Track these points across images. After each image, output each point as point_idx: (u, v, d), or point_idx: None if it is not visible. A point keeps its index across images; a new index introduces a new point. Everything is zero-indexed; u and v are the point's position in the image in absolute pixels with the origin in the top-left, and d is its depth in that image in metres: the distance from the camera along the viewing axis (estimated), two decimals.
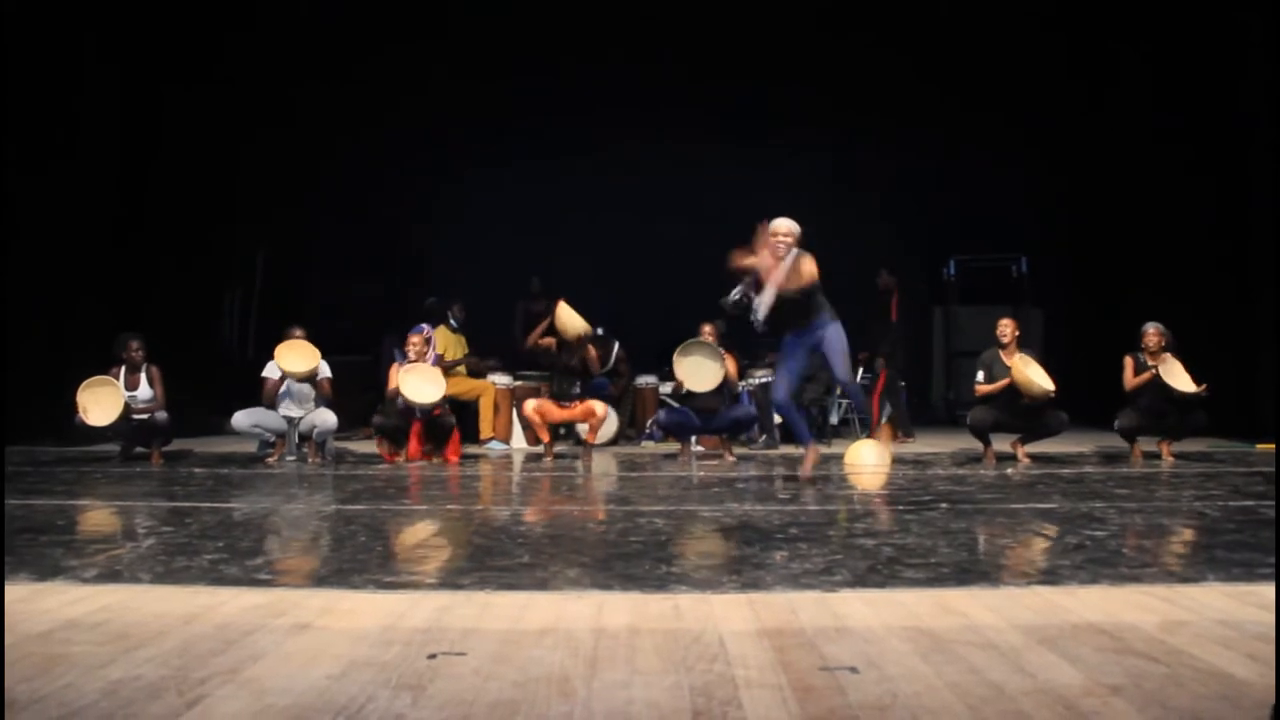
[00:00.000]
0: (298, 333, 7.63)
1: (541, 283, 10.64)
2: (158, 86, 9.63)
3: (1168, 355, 7.26)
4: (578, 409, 7.95)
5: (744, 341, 9.70)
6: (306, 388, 7.51)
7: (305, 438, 7.56)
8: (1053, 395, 7.19)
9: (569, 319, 7.80)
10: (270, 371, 7.56)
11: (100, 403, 7.15)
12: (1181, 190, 9.60)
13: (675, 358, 7.69)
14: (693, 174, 10.81)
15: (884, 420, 9.76)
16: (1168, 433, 7.42)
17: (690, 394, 7.75)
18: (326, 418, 7.51)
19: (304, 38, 10.29)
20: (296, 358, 7.37)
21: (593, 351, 7.93)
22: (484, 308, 10.28)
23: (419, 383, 7.48)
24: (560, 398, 7.99)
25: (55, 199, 8.71)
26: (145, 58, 9.49)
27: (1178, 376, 7.23)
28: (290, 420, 7.54)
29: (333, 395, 7.60)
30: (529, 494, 6.06)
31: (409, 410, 7.58)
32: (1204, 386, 7.17)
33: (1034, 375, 7.11)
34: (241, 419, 7.56)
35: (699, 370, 7.65)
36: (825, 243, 10.97)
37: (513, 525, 4.43)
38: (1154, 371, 7.26)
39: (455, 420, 7.78)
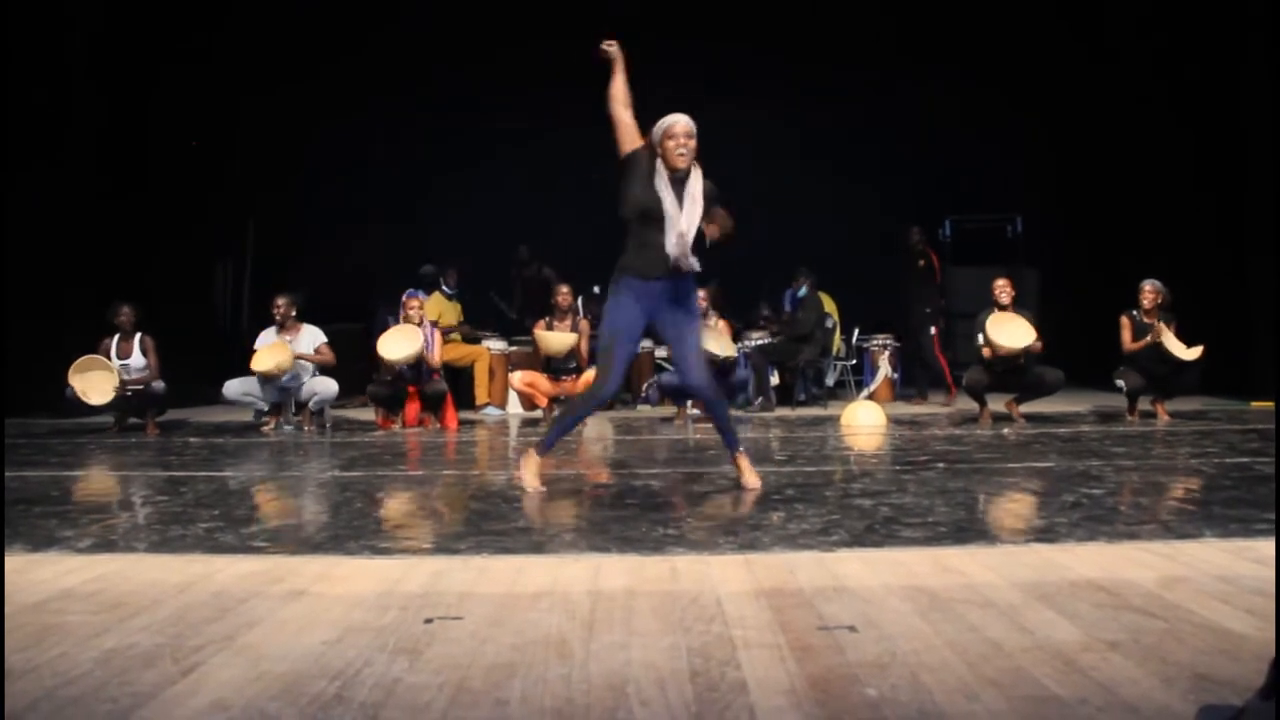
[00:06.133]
0: (280, 301, 7.54)
1: (530, 250, 10.64)
2: (151, 56, 9.52)
3: (1161, 325, 7.24)
4: (570, 383, 7.87)
5: (739, 305, 9.69)
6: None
7: (302, 405, 7.55)
8: (1024, 352, 7.17)
9: (553, 340, 7.72)
10: (263, 340, 7.53)
11: (94, 384, 7.16)
12: (1176, 147, 9.56)
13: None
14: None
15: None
16: (1161, 391, 7.43)
17: None
18: (327, 385, 7.50)
19: (296, 8, 10.15)
20: (268, 359, 7.32)
21: (582, 347, 7.83)
22: (479, 275, 10.25)
23: (394, 341, 7.48)
24: (554, 372, 7.96)
25: (48, 172, 8.64)
26: (138, 26, 9.37)
27: (1175, 343, 7.22)
28: (286, 388, 7.52)
29: (334, 358, 7.56)
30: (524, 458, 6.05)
31: (403, 377, 7.57)
32: (1200, 350, 7.16)
33: (1004, 338, 7.12)
34: (234, 387, 7.54)
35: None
36: (821, 205, 11.03)
37: (508, 490, 4.42)
38: (1152, 338, 7.25)
39: (448, 387, 7.76)
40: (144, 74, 9.51)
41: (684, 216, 4.05)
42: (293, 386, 7.53)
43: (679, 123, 4.07)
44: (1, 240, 7.97)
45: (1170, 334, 7.25)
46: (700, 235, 4.12)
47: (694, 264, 4.10)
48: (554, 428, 4.46)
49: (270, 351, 7.35)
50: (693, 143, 4.08)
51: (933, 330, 9.37)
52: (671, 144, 4.05)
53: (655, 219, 4.05)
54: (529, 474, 4.30)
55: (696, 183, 4.10)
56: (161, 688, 1.89)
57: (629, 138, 4.13)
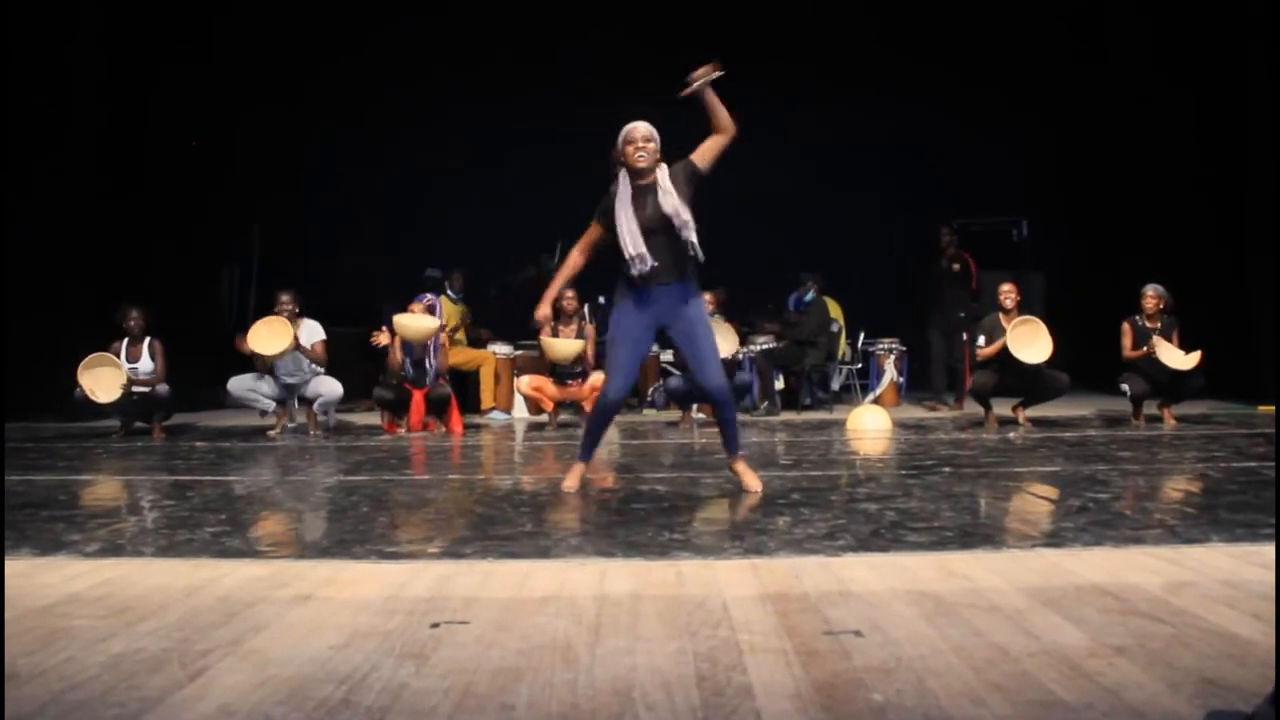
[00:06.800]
0: (284, 298, 7.57)
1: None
2: (152, 57, 9.55)
3: (1157, 339, 7.24)
4: (575, 388, 7.90)
5: (744, 309, 9.69)
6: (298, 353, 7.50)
7: (307, 403, 7.56)
8: (1038, 365, 7.17)
9: (559, 348, 7.74)
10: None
11: (102, 382, 7.19)
12: (1181, 151, 9.55)
13: None
14: (683, 140, 10.74)
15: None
16: (1167, 396, 7.42)
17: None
18: (333, 387, 7.50)
19: (299, 10, 10.18)
20: (265, 339, 7.31)
21: (588, 354, 7.87)
22: (482, 277, 10.27)
23: (411, 319, 7.49)
24: (560, 377, 7.97)
25: (51, 173, 8.66)
26: (139, 28, 9.40)
27: (1171, 354, 7.21)
28: (290, 387, 7.52)
29: (325, 358, 7.57)
30: (531, 463, 6.06)
31: (409, 381, 7.58)
32: (1198, 356, 7.15)
33: (1026, 355, 7.12)
34: (238, 384, 7.54)
35: None
36: (825, 208, 11.03)
37: (515, 494, 4.43)
38: (1147, 351, 7.25)
39: (451, 390, 7.76)
40: (145, 76, 9.54)
41: (643, 225, 4.13)
42: (297, 383, 7.53)
43: (637, 128, 4.22)
44: (3, 242, 7.99)
45: (1166, 345, 7.24)
46: (681, 243, 4.17)
47: (650, 262, 4.14)
48: (585, 438, 4.51)
49: (271, 330, 7.33)
50: (652, 145, 4.20)
51: (965, 335, 9.29)
52: (631, 149, 4.19)
53: (617, 239, 4.17)
54: (571, 479, 4.42)
55: (665, 184, 4.15)
56: (168, 692, 1.89)
57: (590, 235, 4.34)
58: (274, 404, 7.56)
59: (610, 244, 4.25)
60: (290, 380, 7.52)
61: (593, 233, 4.32)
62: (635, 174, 4.20)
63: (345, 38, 10.50)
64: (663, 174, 4.19)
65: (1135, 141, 10.10)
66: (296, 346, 7.37)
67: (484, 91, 10.93)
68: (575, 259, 4.40)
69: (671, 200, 4.11)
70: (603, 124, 4.28)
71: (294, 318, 7.56)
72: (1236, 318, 8.79)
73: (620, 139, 4.24)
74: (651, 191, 4.17)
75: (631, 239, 4.12)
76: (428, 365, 7.64)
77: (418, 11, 10.57)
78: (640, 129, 4.22)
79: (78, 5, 8.98)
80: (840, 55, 10.57)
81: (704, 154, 4.19)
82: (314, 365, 7.53)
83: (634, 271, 4.15)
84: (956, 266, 9.49)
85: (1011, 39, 10.65)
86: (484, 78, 10.83)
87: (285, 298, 7.57)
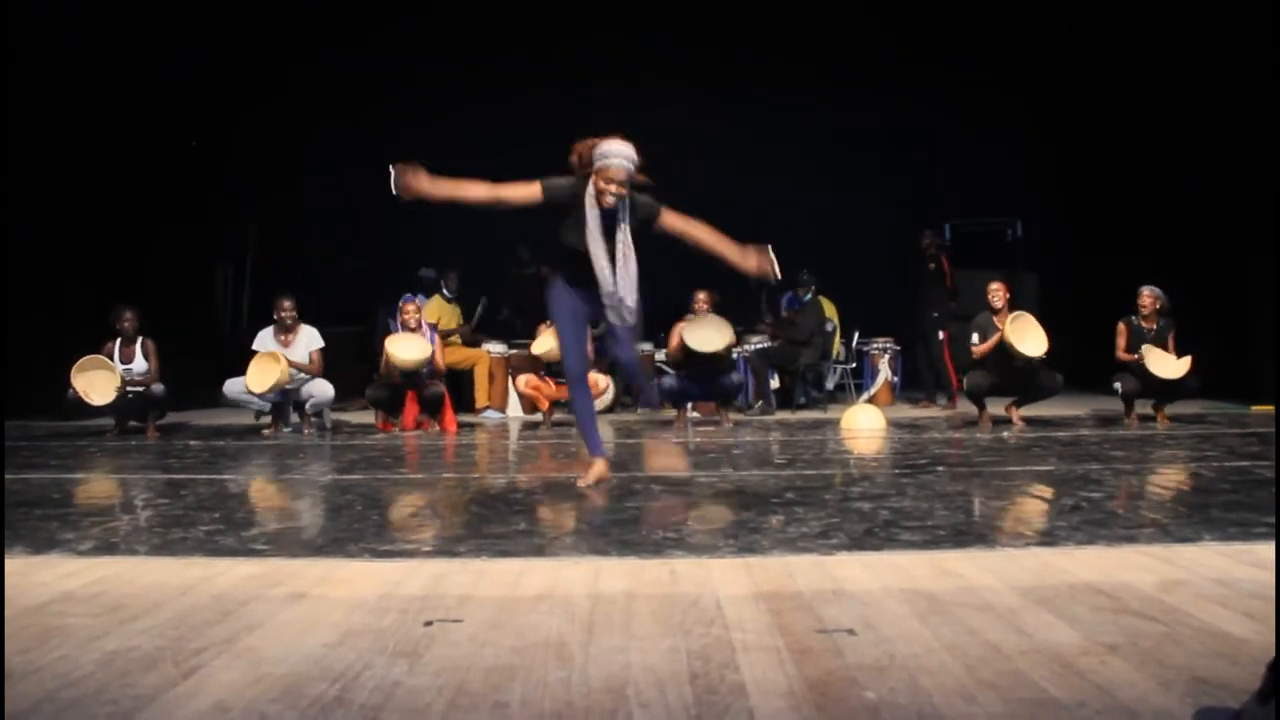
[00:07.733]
0: (285, 304, 7.56)
1: (530, 252, 10.65)
2: (153, 56, 9.54)
3: (1146, 348, 7.26)
4: None
5: (738, 308, 9.68)
6: (297, 359, 7.52)
7: (300, 406, 7.57)
8: (1039, 358, 7.18)
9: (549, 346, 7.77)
10: (260, 343, 7.55)
11: (95, 385, 7.19)
12: (1178, 151, 9.56)
13: (684, 330, 7.75)
14: (683, 139, 10.74)
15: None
16: (1160, 396, 7.43)
17: (688, 359, 7.77)
18: (324, 389, 7.53)
19: (299, 10, 10.17)
20: (262, 375, 7.33)
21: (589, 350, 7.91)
22: (481, 277, 10.25)
23: (406, 343, 7.49)
24: (557, 375, 7.97)
25: (46, 173, 8.64)
26: (139, 28, 9.39)
27: (1160, 363, 7.22)
28: (285, 391, 7.52)
29: (322, 366, 7.58)
30: (525, 462, 6.06)
31: (402, 381, 7.58)
32: (1188, 363, 7.16)
33: (1019, 341, 7.13)
34: (234, 386, 7.54)
35: (710, 338, 7.70)
36: (821, 208, 11.02)
37: (509, 493, 4.43)
38: (1138, 359, 7.27)
39: (444, 389, 7.74)
40: (145, 76, 9.52)
41: (619, 278, 4.12)
42: (291, 388, 7.55)
43: (611, 165, 4.04)
44: (1, 242, 7.98)
45: (1156, 354, 7.24)
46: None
47: (628, 318, 4.20)
48: (584, 433, 4.59)
49: (264, 369, 7.34)
50: (624, 191, 4.07)
51: (941, 334, 9.39)
52: (602, 183, 4.07)
53: (589, 267, 4.14)
54: (590, 476, 4.48)
55: (627, 230, 4.11)
56: (162, 690, 1.89)
57: (520, 192, 4.21)
58: (268, 405, 7.56)
59: (515, 196, 4.25)
60: (286, 386, 7.52)
61: (523, 194, 4.17)
62: (601, 206, 4.11)
63: (345, 37, 10.47)
64: (626, 227, 4.14)
65: (1134, 141, 10.10)
66: (291, 376, 7.40)
67: (484, 91, 10.91)
68: (481, 194, 4.27)
69: (632, 268, 4.14)
70: (603, 124, 4.27)
71: (294, 323, 7.57)
72: (1231, 318, 8.81)
73: (596, 158, 4.07)
74: (614, 243, 4.13)
75: (604, 273, 4.12)
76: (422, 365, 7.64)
77: (418, 11, 10.55)
78: (619, 173, 4.02)
79: (78, 5, 8.96)
80: (840, 55, 10.56)
81: (672, 225, 4.19)
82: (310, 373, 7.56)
83: (606, 305, 4.19)
84: (932, 266, 9.60)
85: (1011, 39, 10.65)
86: (484, 78, 10.81)
87: (286, 304, 7.58)
